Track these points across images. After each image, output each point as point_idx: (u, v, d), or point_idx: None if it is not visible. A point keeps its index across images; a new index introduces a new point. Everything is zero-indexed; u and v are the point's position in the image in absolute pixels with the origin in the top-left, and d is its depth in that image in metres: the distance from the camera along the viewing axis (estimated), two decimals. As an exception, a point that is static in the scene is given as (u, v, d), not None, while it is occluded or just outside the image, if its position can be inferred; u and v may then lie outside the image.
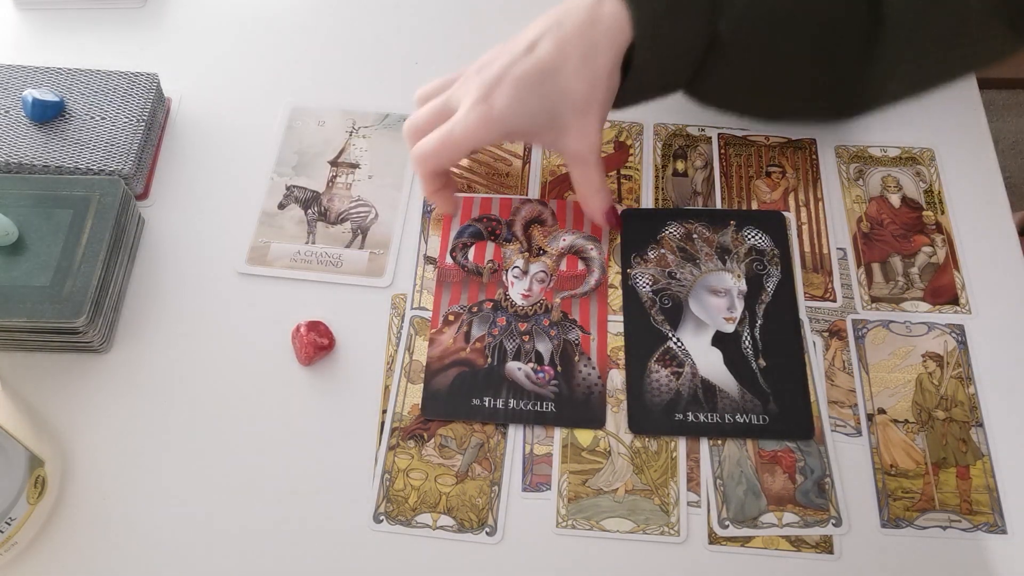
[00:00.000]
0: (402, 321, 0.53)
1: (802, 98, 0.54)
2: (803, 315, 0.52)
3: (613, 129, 0.60)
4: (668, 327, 0.52)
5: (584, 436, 0.49)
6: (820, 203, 0.57)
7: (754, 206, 0.57)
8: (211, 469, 0.49)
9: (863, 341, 0.52)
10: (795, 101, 0.54)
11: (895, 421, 0.49)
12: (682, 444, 0.49)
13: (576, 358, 0.51)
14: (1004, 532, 0.46)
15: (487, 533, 0.47)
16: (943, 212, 0.56)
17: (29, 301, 0.49)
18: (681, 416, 0.49)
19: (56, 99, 0.57)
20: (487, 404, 0.50)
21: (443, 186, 0.54)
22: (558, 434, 0.49)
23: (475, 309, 0.53)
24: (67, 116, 0.58)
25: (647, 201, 0.57)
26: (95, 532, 0.47)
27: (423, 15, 0.67)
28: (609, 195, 0.54)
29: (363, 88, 0.63)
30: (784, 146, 0.59)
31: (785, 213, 0.56)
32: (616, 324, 0.52)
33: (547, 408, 0.49)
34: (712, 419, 0.49)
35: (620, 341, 0.52)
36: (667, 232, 0.55)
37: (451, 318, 0.53)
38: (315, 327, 0.51)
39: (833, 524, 0.46)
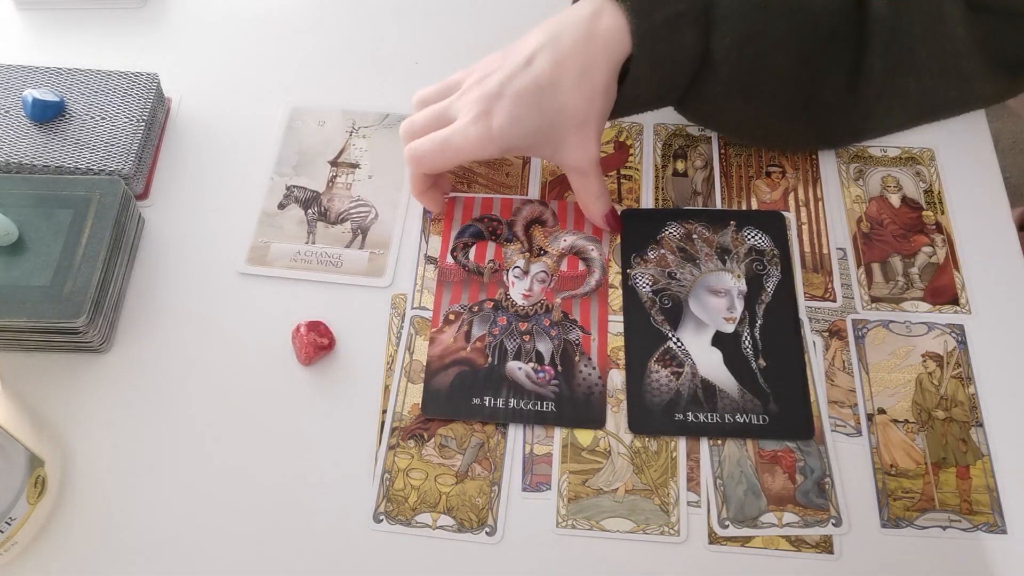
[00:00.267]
0: (402, 321, 0.53)
1: (791, 121, 0.54)
2: (803, 315, 0.52)
3: (613, 129, 0.60)
4: (668, 327, 0.52)
5: (584, 436, 0.49)
6: (820, 203, 0.57)
7: (754, 206, 0.57)
8: (211, 469, 0.49)
9: (863, 341, 0.52)
10: (783, 123, 0.54)
11: (895, 421, 0.49)
12: (682, 444, 0.49)
13: (576, 358, 0.51)
14: (1004, 532, 0.46)
15: (487, 533, 0.47)
16: (943, 212, 0.56)
17: (29, 301, 0.49)
18: (681, 416, 0.49)
19: (56, 99, 0.57)
20: (487, 403, 0.50)
21: (431, 187, 0.55)
22: (558, 434, 0.49)
23: (476, 309, 0.53)
24: (67, 116, 0.58)
25: (647, 201, 0.57)
26: (95, 532, 0.47)
27: (423, 15, 0.67)
28: (609, 200, 0.54)
29: (363, 88, 0.63)
30: (784, 146, 0.59)
31: (785, 213, 0.56)
32: (616, 324, 0.52)
33: (547, 408, 0.49)
34: (712, 419, 0.49)
35: (620, 341, 0.52)
36: (667, 232, 0.55)
37: (452, 317, 0.53)
38: (315, 327, 0.51)
39: (833, 524, 0.46)
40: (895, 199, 0.57)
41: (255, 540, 0.47)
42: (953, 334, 0.52)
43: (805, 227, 0.56)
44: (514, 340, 0.52)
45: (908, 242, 0.55)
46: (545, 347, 0.51)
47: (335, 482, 0.48)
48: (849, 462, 0.48)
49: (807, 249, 0.55)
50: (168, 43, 0.66)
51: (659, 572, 0.46)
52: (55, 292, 0.50)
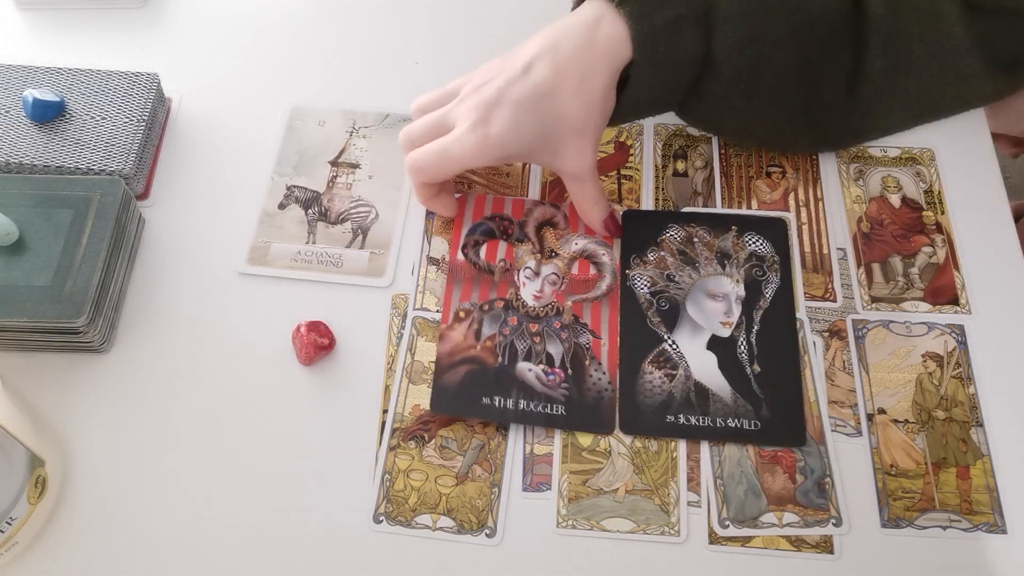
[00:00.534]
0: (403, 321, 0.53)
1: (791, 122, 0.54)
2: (803, 315, 0.52)
3: (613, 129, 0.60)
4: (664, 329, 0.52)
5: (584, 436, 0.49)
6: (820, 203, 0.57)
7: (754, 206, 0.57)
8: (211, 469, 0.49)
9: (863, 341, 0.52)
10: (784, 124, 0.54)
11: (895, 421, 0.49)
12: (682, 444, 0.49)
13: (587, 362, 0.51)
14: (1004, 532, 0.46)
15: (487, 535, 0.47)
16: (943, 212, 0.56)
17: (29, 301, 0.49)
18: (673, 418, 0.49)
19: (56, 99, 0.57)
20: (497, 404, 0.50)
21: (438, 193, 0.55)
22: (558, 434, 0.49)
23: (486, 307, 0.53)
24: (67, 116, 0.58)
25: (647, 201, 0.57)
26: (95, 532, 0.47)
27: (423, 15, 0.67)
28: (607, 204, 0.54)
29: (363, 88, 0.63)
30: (784, 146, 0.59)
31: (785, 213, 0.56)
32: (628, 330, 0.52)
33: (557, 411, 0.49)
34: (704, 422, 0.49)
35: (627, 345, 0.52)
36: (667, 235, 0.55)
37: (461, 315, 0.52)
38: (315, 327, 0.51)
39: (833, 524, 0.46)
40: (895, 199, 0.57)
41: (255, 540, 0.47)
42: (953, 334, 0.52)
43: (805, 227, 0.56)
44: (524, 341, 0.52)
45: (908, 242, 0.55)
46: (555, 349, 0.51)
47: (335, 483, 0.48)
48: (849, 462, 0.48)
49: (807, 249, 0.55)
50: (168, 43, 0.66)
51: (659, 572, 0.46)
52: (55, 292, 0.50)
